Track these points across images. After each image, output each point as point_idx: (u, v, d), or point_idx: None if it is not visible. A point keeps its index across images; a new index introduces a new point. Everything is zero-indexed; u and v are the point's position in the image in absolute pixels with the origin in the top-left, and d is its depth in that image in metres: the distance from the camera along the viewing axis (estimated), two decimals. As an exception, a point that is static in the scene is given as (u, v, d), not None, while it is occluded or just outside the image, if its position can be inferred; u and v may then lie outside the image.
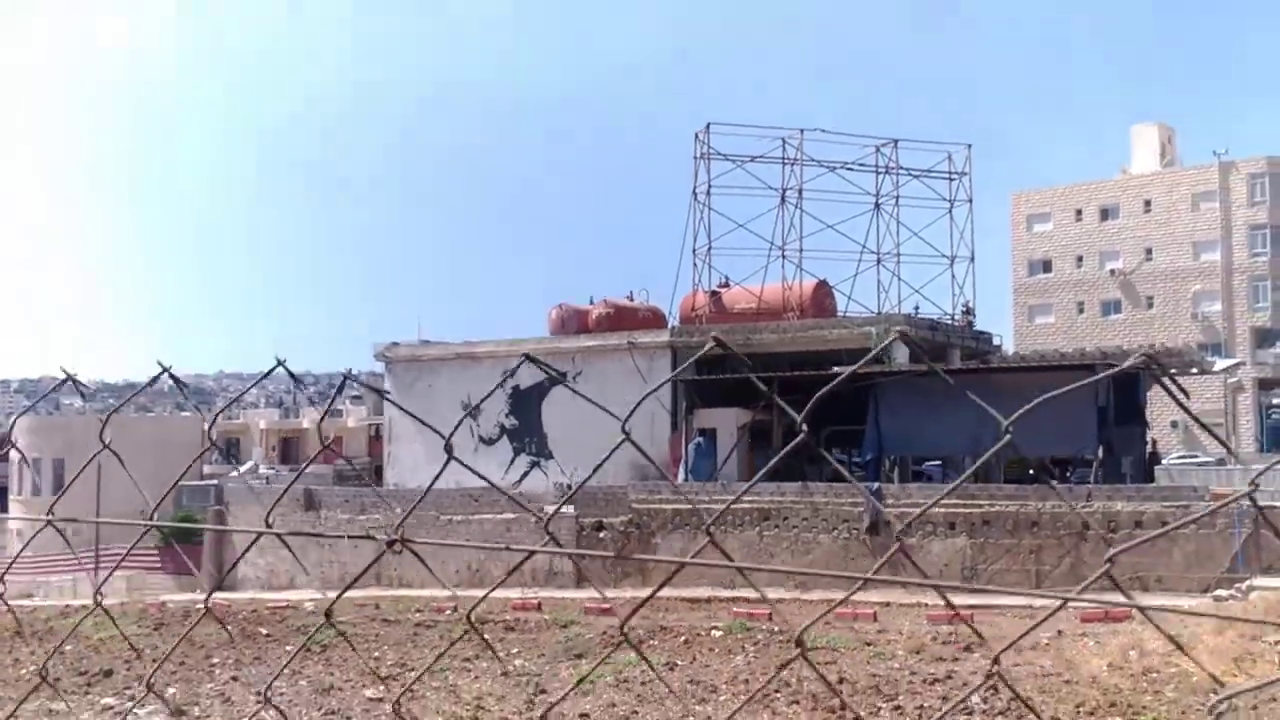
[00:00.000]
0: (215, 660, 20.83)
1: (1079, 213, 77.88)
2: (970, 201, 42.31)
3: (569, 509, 31.27)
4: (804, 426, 1.86)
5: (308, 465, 4.57)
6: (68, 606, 33.48)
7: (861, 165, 40.93)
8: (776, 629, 22.26)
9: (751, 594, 27.10)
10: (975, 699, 15.70)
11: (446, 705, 16.20)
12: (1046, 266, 78.79)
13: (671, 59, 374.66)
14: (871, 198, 41.24)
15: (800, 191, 39.32)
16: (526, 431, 38.76)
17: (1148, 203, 75.31)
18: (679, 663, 19.11)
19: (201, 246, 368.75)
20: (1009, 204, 78.08)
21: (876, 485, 27.84)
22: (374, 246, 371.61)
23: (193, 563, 40.14)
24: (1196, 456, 56.08)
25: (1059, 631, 20.87)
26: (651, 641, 21.33)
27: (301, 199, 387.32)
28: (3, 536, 60.04)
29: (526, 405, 38.81)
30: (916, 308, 40.83)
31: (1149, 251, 74.75)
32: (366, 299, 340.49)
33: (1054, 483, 30.71)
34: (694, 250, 39.12)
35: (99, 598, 4.03)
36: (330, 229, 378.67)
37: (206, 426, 68.96)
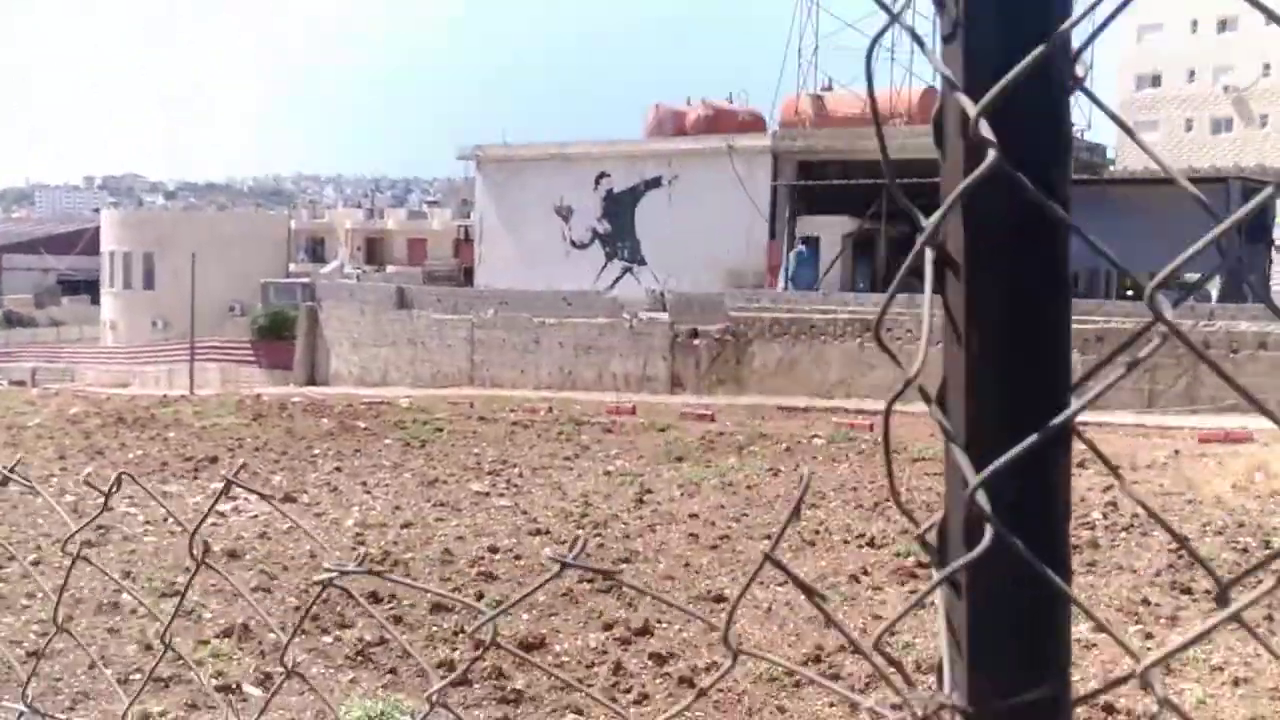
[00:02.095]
0: (317, 451, 20.92)
1: (1194, 23, 74.03)
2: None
3: (664, 315, 30.89)
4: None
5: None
6: (165, 396, 34.08)
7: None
8: (879, 439, 21.87)
9: (850, 404, 26.77)
10: (1096, 514, 15.25)
11: (555, 501, 16.06)
12: (1155, 81, 75.45)
13: None
14: (988, -4, 39.17)
15: (914, -14, 37.35)
16: (619, 236, 38.17)
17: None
18: (782, 469, 18.79)
19: (278, 48, 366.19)
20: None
21: (986, 297, 26.96)
22: (457, 44, 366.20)
23: (285, 358, 40.58)
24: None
25: (1176, 451, 20.28)
26: (752, 448, 21.05)
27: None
28: (97, 329, 61.37)
29: (620, 209, 38.12)
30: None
31: (1267, 67, 71.10)
32: (446, 100, 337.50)
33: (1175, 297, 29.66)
34: (800, 50, 37.57)
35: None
36: (409, 26, 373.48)
37: (293, 224, 69.33)
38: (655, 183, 37.36)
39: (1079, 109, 39.85)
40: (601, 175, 38.45)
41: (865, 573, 12.15)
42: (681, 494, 16.72)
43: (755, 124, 38.82)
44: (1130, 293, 36.55)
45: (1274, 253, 33.79)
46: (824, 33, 37.74)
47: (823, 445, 21.33)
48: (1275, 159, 60.41)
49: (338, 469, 18.95)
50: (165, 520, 14.78)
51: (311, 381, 37.45)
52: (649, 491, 16.76)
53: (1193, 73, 73.94)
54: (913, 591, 11.54)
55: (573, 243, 39.06)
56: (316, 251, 71.61)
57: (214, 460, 19.77)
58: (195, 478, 18.19)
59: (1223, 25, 73.07)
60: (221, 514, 15.35)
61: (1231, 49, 72.38)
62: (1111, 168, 40.78)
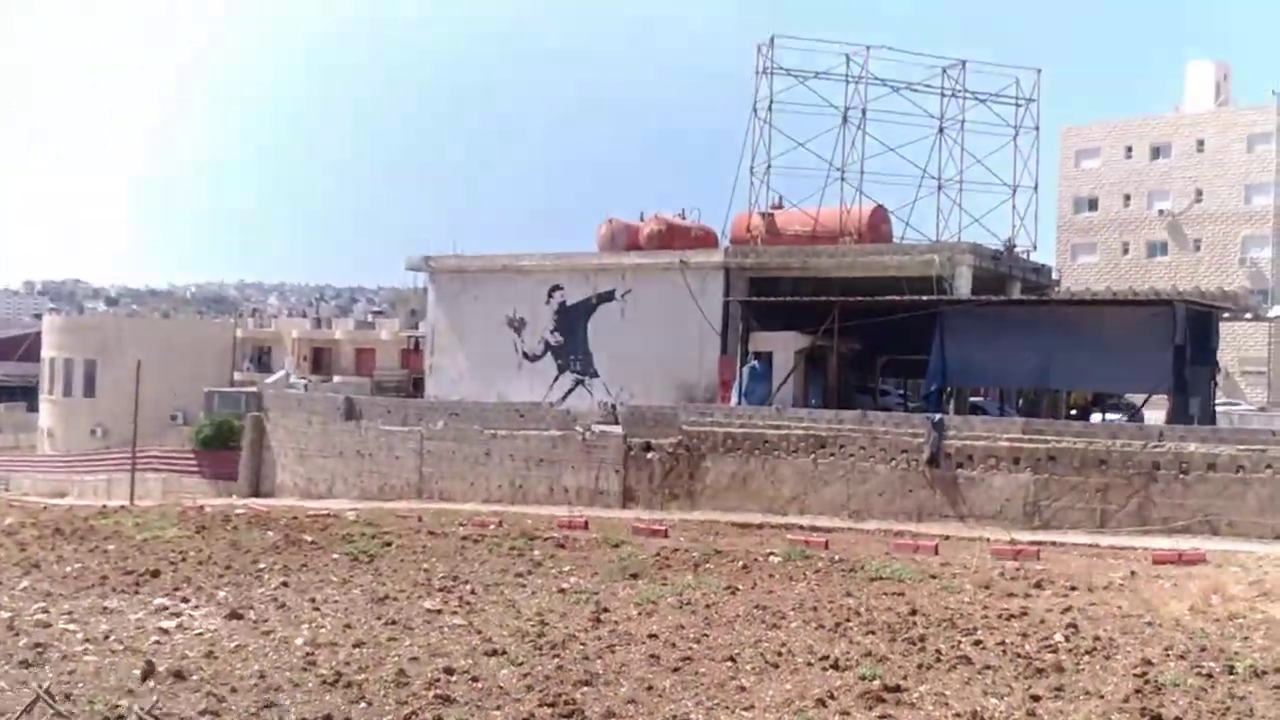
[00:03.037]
0: (262, 565, 20.38)
1: (1129, 150, 76.12)
2: (1037, 129, 41.07)
3: (617, 429, 30.67)
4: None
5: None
6: (104, 507, 33.24)
7: (927, 86, 39.74)
8: (836, 556, 21.64)
9: (804, 521, 26.57)
10: (1058, 636, 15.09)
11: (509, 620, 15.64)
12: (1093, 204, 77.25)
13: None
14: (936, 121, 40.04)
15: (863, 111, 38.11)
16: (572, 349, 38.13)
17: (1200, 142, 73.43)
18: (739, 587, 18.48)
19: (222, 155, 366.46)
20: (1056, 138, 76.23)
21: (939, 416, 27.06)
22: (405, 155, 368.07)
23: (229, 468, 39.81)
24: (1238, 405, 55.13)
25: (1131, 572, 20.22)
26: (707, 565, 20.75)
27: (327, 104, 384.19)
28: (34, 436, 60.06)
29: (572, 322, 38.15)
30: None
31: (1199, 193, 73.06)
32: (395, 211, 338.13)
33: (1123, 419, 30.01)
34: (751, 169, 38.09)
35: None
36: (357, 137, 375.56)
37: (238, 332, 68.69)
38: (608, 296, 37.46)
39: (1025, 231, 40.70)
40: (555, 288, 38.52)
41: (832, 697, 11.84)
42: (639, 613, 16.37)
43: (707, 240, 39.19)
44: (1075, 412, 36.94)
45: (1218, 374, 34.34)
46: (775, 151, 38.28)
47: (779, 563, 21.06)
48: (1209, 282, 61.80)
49: (284, 584, 18.42)
50: (106, 638, 14.23)
51: (256, 493, 36.73)
52: (605, 610, 16.40)
53: (1128, 197, 75.82)
54: (882, 717, 11.26)
55: (525, 354, 38.97)
56: (262, 360, 70.89)
57: (156, 574, 19.17)
58: (136, 592, 17.60)
59: (1156, 152, 75.20)
60: (165, 630, 14.81)
61: (1165, 175, 74.42)
62: (1056, 288, 41.47)
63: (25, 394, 71.40)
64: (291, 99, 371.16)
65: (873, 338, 32.65)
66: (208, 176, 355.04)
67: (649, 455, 29.71)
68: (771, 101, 38.07)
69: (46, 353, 57.96)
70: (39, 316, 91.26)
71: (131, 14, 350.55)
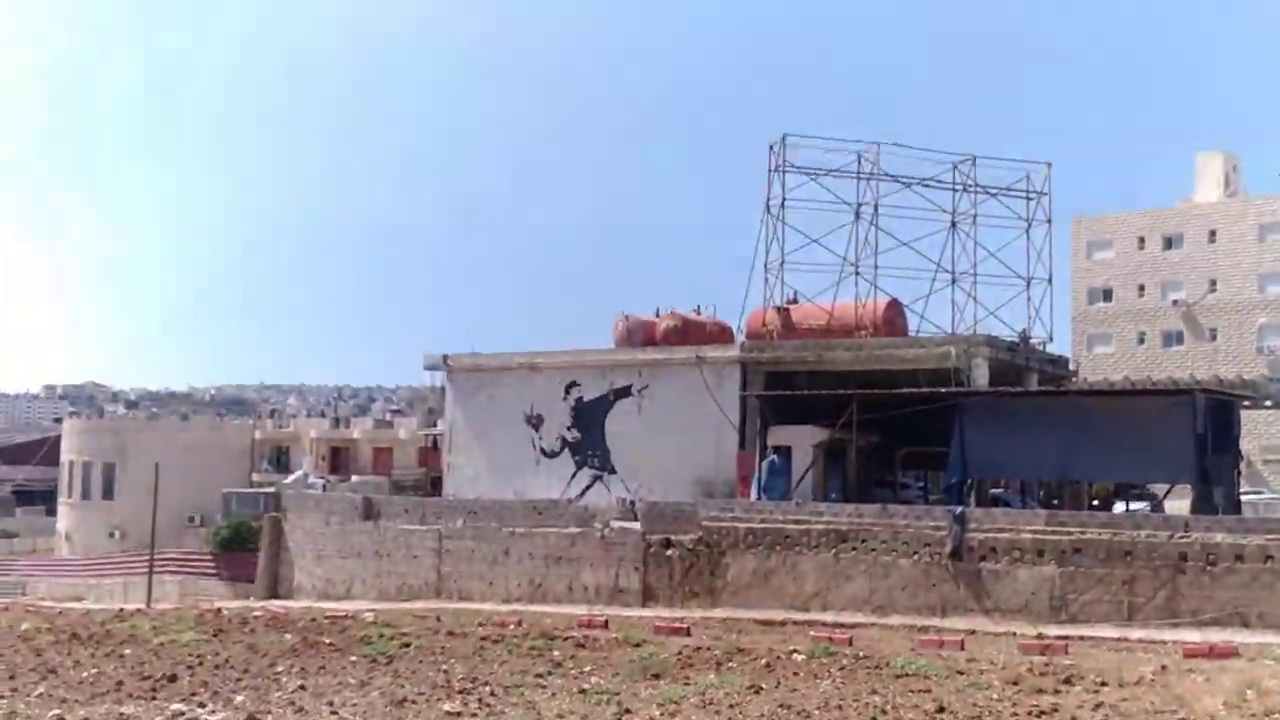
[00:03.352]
0: (280, 668, 20.15)
1: (1141, 241, 76.15)
2: (1050, 222, 41.34)
3: (635, 525, 30.49)
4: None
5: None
6: (121, 610, 33.04)
7: (939, 182, 40.00)
8: (860, 653, 21.30)
9: (828, 617, 26.24)
10: (1091, 735, 14.76)
11: (531, 723, 15.38)
12: (1107, 295, 77.11)
13: (745, 65, 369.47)
14: (948, 215, 40.25)
15: (876, 207, 38.36)
16: (589, 445, 38.03)
17: (1212, 233, 73.53)
18: (763, 686, 18.17)
19: (242, 258, 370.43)
20: (1069, 229, 76.53)
21: (961, 509, 26.83)
22: (421, 255, 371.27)
23: (246, 570, 39.62)
24: (1262, 493, 54.49)
25: (1163, 666, 19.82)
26: (730, 664, 20.43)
27: (346, 209, 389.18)
28: (52, 540, 59.97)
29: (590, 418, 38.10)
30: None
31: (1213, 283, 72.97)
32: (407, 310, 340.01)
33: (1147, 509, 29.68)
34: (765, 265, 38.29)
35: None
36: (375, 240, 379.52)
37: (256, 434, 68.81)
38: (625, 392, 37.46)
39: (1040, 322, 40.67)
40: (571, 384, 38.55)
41: (862, 799, 11.53)
42: (662, 713, 16.07)
43: (723, 335, 39.29)
44: (1097, 502, 36.57)
45: (1241, 463, 33.99)
46: (789, 247, 38.54)
47: (803, 660, 20.73)
48: (1227, 371, 61.56)
49: (302, 687, 18.18)
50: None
51: (274, 594, 36.49)
52: (627, 711, 16.13)
53: (1142, 288, 75.73)
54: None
55: (543, 451, 38.86)
56: (280, 460, 70.74)
57: (173, 679, 18.95)
58: (153, 698, 17.38)
59: (1168, 242, 75.34)
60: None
61: (1178, 265, 74.47)
62: (1074, 379, 41.33)
63: (45, 498, 71.43)
64: (308, 203, 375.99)
65: (891, 431, 32.50)
66: (227, 279, 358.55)
67: (669, 552, 29.50)
68: (784, 199, 38.48)
69: (65, 456, 58.11)
70: (59, 420, 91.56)
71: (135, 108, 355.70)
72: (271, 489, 48.13)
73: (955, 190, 40.30)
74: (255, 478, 62.64)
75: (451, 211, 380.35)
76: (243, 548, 41.27)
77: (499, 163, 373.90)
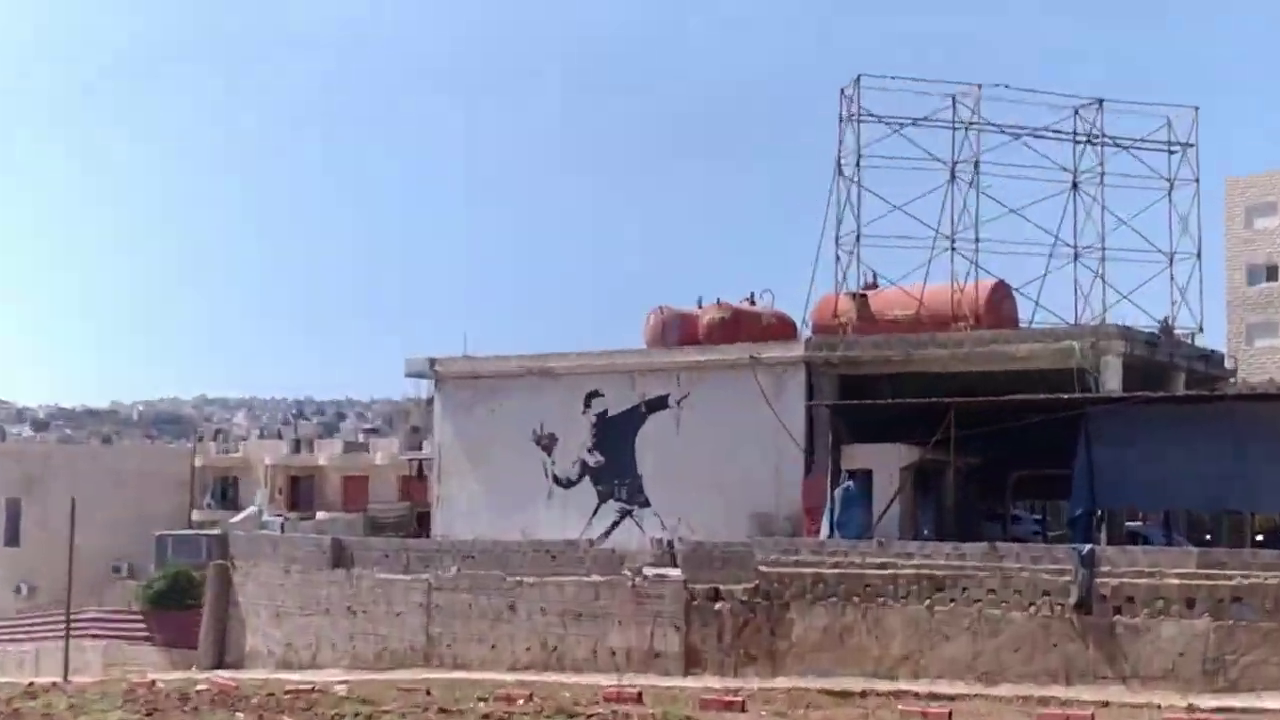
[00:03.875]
0: (230, 758, 20.35)
1: (1312, 198, 75.80)
2: (1197, 181, 40.92)
3: (675, 572, 30.58)
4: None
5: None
6: (31, 685, 33.37)
7: (1056, 132, 39.64)
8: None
9: (920, 687, 26.28)
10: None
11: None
12: (1271, 273, 76.58)
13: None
14: (1068, 175, 40.05)
15: (976, 165, 38.10)
16: (616, 471, 37.95)
17: (1402, 193, 73.05)
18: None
19: (177, 248, 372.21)
20: (1222, 191, 76.12)
21: (1089, 548, 26.74)
22: (401, 239, 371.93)
23: (186, 632, 39.93)
24: None
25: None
26: (797, 747, 20.54)
27: (306, 179, 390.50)
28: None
29: (616, 437, 38.04)
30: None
31: None
32: (386, 305, 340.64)
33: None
34: (836, 239, 38.14)
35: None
36: (342, 222, 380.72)
37: (197, 460, 69.38)
38: (661, 403, 37.48)
39: (1187, 308, 40.41)
40: (593, 395, 38.60)
41: None
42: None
43: (783, 329, 39.17)
44: (1261, 538, 36.33)
45: None
46: (866, 217, 38.41)
47: (891, 743, 20.83)
48: None
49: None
50: None
51: (221, 663, 36.78)
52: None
53: (1317, 263, 75.30)
54: None
55: (556, 479, 38.90)
56: (227, 494, 71.38)
57: (97, 772, 19.19)
58: (73, 795, 17.59)
59: (1349, 205, 74.84)
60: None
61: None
62: (1232, 381, 41.07)
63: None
64: (254, 177, 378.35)
65: (999, 449, 32.38)
66: (161, 272, 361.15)
67: (717, 606, 29.56)
68: (860, 156, 38.33)
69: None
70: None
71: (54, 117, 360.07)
72: (216, 530, 48.51)
73: (1077, 143, 40.05)
74: (196, 515, 63.19)
75: (437, 187, 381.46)
76: (181, 604, 41.58)
77: (498, 128, 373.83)
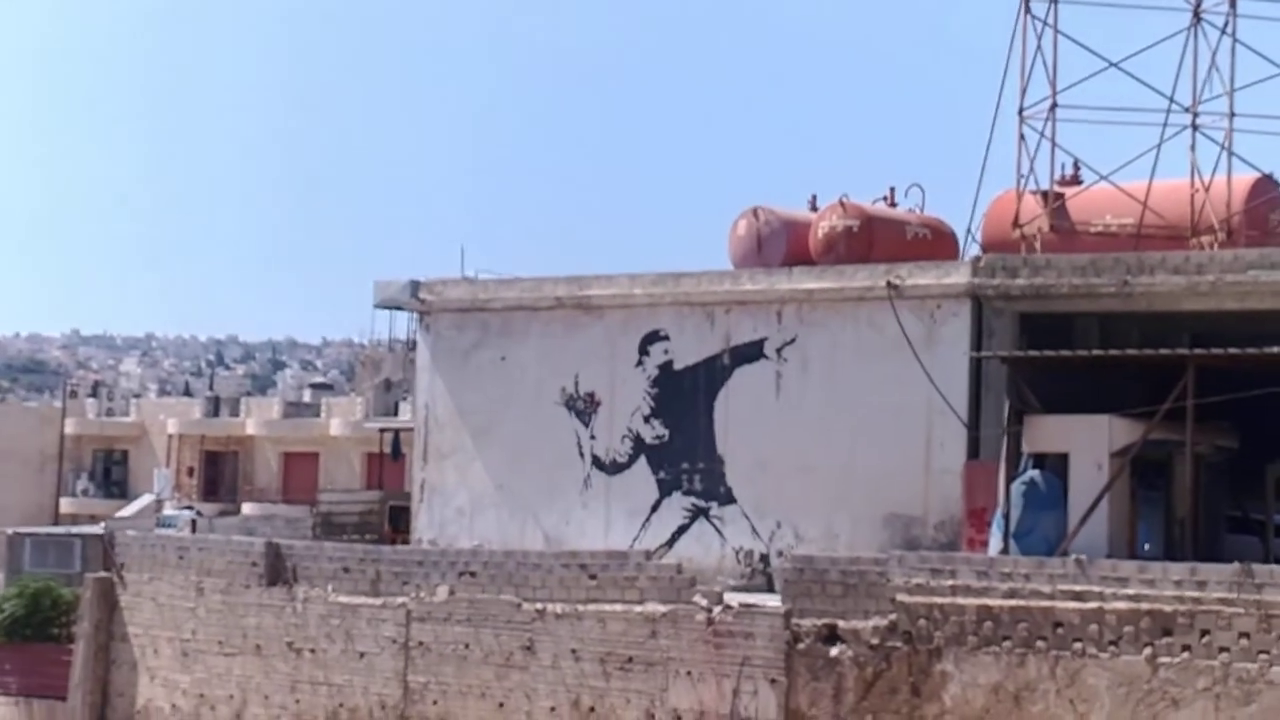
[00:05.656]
0: None
1: None
2: None
3: (771, 600, 30.56)
4: None
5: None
6: None
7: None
8: None
9: (1136, 777, 26.21)
10: None
11: None
12: None
13: None
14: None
15: (1232, 2, 37.79)
16: (685, 450, 37.90)
17: None
18: None
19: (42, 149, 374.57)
20: None
21: (1395, 573, 26.64)
22: (367, 118, 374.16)
23: (50, 676, 40.25)
24: None
25: None
26: None
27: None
28: None
29: (686, 401, 38.04)
30: None
31: None
32: (345, 212, 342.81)
33: None
34: (1020, 111, 37.86)
35: None
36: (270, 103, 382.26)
37: (68, 425, 69.90)
38: (752, 352, 37.33)
39: None
40: (651, 338, 38.49)
41: None
42: None
43: (939, 245, 39.23)
44: None
45: None
46: (1064, 80, 38.13)
47: None
48: None
49: None
50: None
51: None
52: None
53: None
54: None
55: (597, 462, 39.01)
56: (112, 475, 72.10)
57: None
58: None
59: None
60: None
61: None
62: None
63: None
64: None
65: (1261, 427, 32.22)
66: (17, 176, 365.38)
67: (834, 652, 29.56)
68: (1056, -12, 38.16)
69: None
70: None
71: None
72: (97, 527, 48.77)
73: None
74: (66, 506, 63.86)
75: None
76: (43, 635, 41.88)
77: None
